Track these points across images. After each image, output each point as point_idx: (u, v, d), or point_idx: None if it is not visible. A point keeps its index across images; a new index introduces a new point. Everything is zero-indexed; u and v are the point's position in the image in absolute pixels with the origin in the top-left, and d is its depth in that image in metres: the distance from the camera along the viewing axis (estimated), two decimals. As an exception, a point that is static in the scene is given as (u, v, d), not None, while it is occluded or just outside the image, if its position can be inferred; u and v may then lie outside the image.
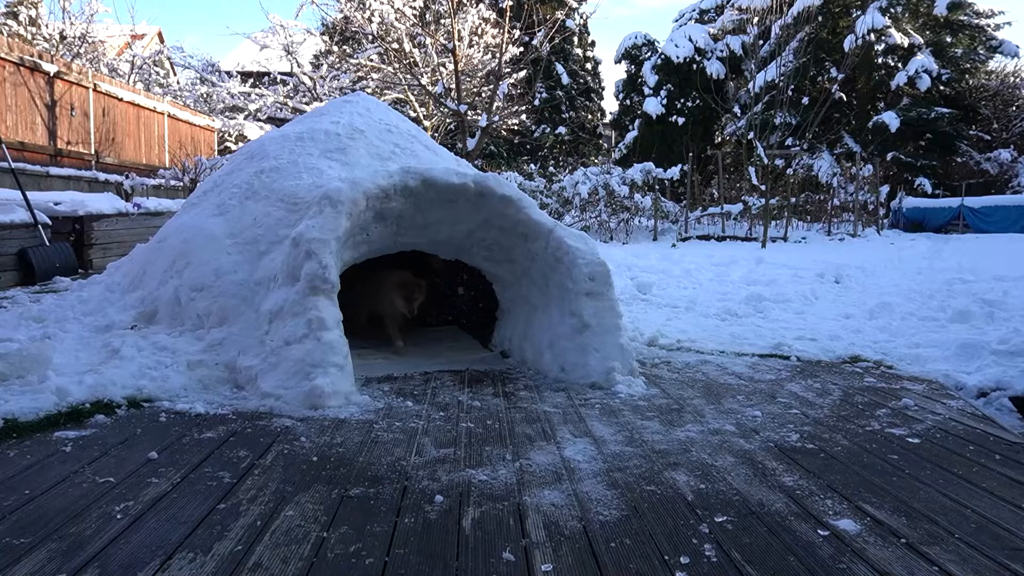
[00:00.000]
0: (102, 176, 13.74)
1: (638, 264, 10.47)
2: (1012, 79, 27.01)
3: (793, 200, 19.51)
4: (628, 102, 28.86)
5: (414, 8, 21.33)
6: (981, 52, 25.41)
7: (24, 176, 10.17)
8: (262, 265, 4.88)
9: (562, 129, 30.72)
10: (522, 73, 23.33)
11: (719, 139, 27.57)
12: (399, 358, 5.21)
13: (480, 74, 22.13)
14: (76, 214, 9.75)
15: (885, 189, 20.73)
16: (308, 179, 5.41)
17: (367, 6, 20.63)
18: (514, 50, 21.67)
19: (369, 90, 21.73)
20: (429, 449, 3.28)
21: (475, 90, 21.98)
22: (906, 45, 23.69)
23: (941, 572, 2.22)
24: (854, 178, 20.04)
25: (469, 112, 20.06)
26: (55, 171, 12.28)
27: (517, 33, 21.50)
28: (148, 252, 5.96)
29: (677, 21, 29.98)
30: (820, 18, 24.48)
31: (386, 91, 22.47)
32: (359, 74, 23.16)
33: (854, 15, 24.65)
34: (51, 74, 12.71)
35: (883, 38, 23.58)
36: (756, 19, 23.12)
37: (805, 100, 22.07)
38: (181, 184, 15.35)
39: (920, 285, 8.91)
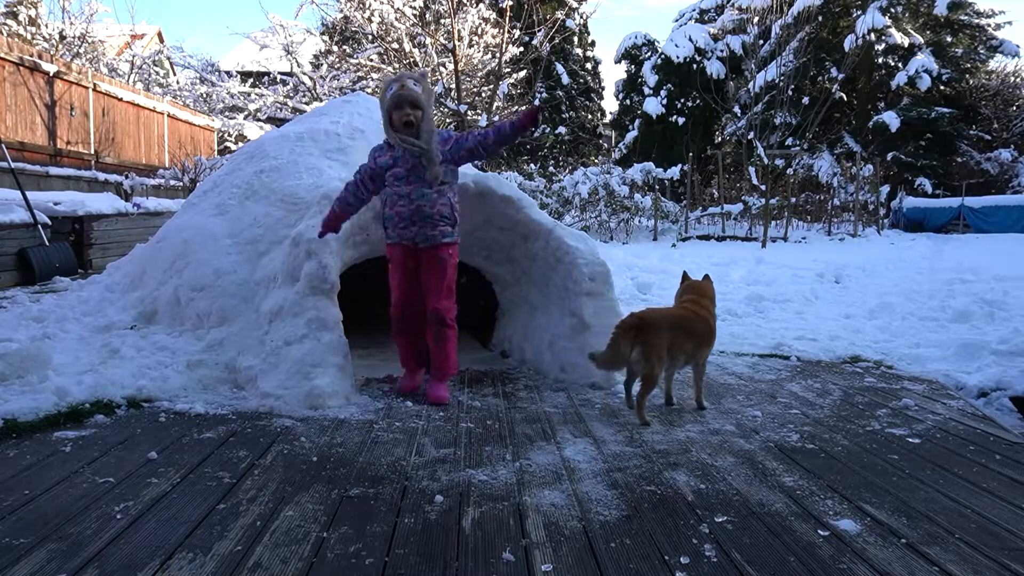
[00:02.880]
0: (102, 176, 13.74)
1: (638, 264, 10.47)
2: (1012, 79, 27.01)
3: (793, 200, 19.50)
4: (628, 102, 28.85)
5: (414, 8, 21.32)
6: (981, 52, 25.41)
7: (24, 176, 10.16)
8: (262, 265, 4.88)
9: (562, 129, 30.71)
10: (522, 73, 23.33)
11: (719, 139, 27.55)
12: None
13: (480, 74, 22.12)
14: (76, 214, 9.74)
15: (885, 189, 20.72)
16: (308, 179, 5.41)
17: (367, 6, 20.63)
18: (514, 50, 21.68)
19: (369, 90, 21.71)
20: (429, 449, 3.28)
21: (475, 90, 21.98)
22: (906, 45, 23.68)
23: (941, 572, 2.21)
24: (854, 178, 20.03)
25: (469, 112, 20.05)
26: (55, 171, 12.27)
27: (517, 33, 21.51)
28: (148, 252, 5.96)
29: (677, 21, 29.99)
30: (820, 18, 24.47)
31: (386, 91, 22.42)
32: (359, 74, 23.15)
33: (854, 15, 24.65)
34: (51, 74, 12.70)
35: (883, 38, 23.58)
36: (756, 19, 23.11)
37: (805, 100, 22.05)
38: (181, 184, 15.36)
39: (920, 285, 8.91)
